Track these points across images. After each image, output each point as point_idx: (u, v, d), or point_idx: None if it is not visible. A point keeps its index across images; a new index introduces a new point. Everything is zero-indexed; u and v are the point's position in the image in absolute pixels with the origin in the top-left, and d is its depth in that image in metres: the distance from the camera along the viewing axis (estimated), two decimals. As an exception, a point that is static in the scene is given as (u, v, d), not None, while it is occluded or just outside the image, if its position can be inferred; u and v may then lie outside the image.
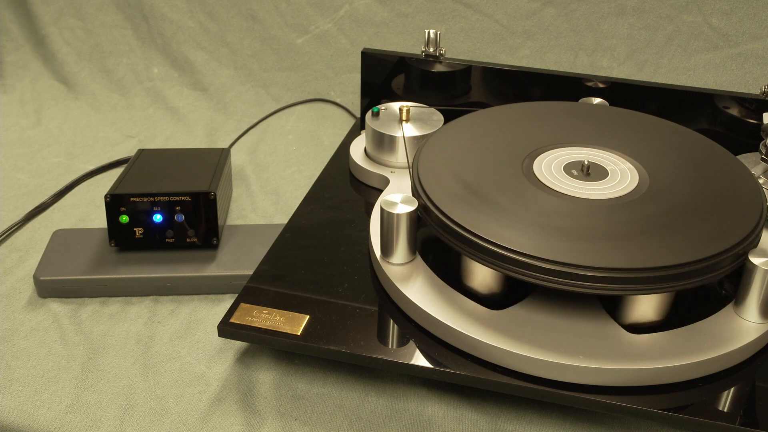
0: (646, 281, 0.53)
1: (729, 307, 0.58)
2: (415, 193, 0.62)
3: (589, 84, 0.86)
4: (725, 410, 0.53)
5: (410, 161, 0.76)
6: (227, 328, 0.59)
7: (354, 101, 1.08)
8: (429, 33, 0.89)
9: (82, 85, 1.14)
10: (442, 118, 0.81)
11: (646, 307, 0.57)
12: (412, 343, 0.58)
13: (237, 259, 0.72)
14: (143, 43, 1.15)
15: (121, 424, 0.57)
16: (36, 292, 0.71)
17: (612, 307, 0.58)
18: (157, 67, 1.15)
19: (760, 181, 0.71)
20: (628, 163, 0.66)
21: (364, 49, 0.92)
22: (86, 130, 1.07)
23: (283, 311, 0.60)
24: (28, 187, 0.91)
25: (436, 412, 0.59)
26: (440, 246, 0.67)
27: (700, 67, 0.99)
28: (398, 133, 0.78)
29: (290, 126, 1.07)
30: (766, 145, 0.72)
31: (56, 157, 0.99)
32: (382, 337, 0.58)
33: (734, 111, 0.82)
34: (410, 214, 0.60)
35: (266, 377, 0.61)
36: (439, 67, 0.91)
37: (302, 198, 0.77)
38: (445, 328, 0.56)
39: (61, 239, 0.75)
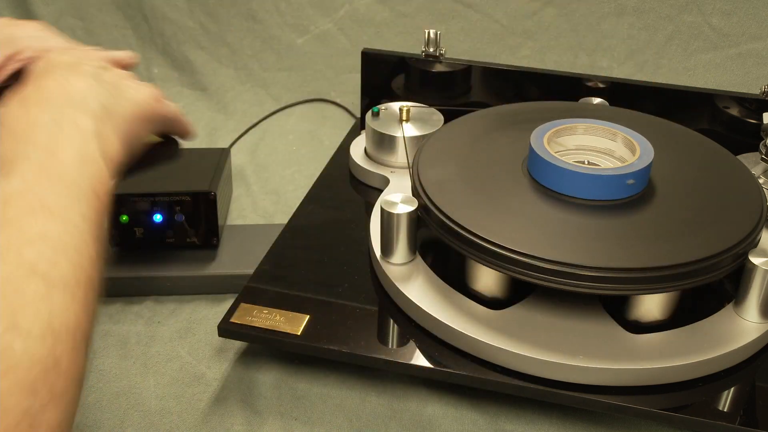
0: (646, 281, 0.53)
1: (729, 307, 0.58)
2: (415, 193, 0.62)
3: (589, 84, 0.86)
4: (725, 410, 0.53)
5: (410, 161, 0.76)
6: (227, 328, 0.59)
7: (354, 101, 1.08)
8: (429, 33, 0.89)
9: (82, 85, 1.14)
10: (442, 118, 0.81)
11: (651, 305, 0.57)
12: (412, 343, 0.58)
13: (237, 259, 0.72)
14: (143, 43, 1.15)
15: (121, 424, 0.57)
16: (36, 292, 0.71)
17: (617, 305, 0.58)
18: (157, 67, 1.15)
19: (760, 181, 0.71)
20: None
21: (364, 49, 0.92)
22: (86, 130, 1.07)
23: (283, 311, 0.60)
24: (28, 187, 0.91)
25: (436, 412, 0.59)
26: (440, 246, 0.67)
27: (700, 67, 0.99)
28: (398, 133, 0.78)
29: (290, 126, 1.07)
30: (766, 145, 0.72)
31: (56, 157, 0.99)
32: (382, 337, 0.58)
33: (734, 111, 0.82)
34: (410, 214, 0.60)
35: (266, 377, 0.61)
36: (439, 67, 0.91)
37: (302, 198, 0.77)
38: (445, 328, 0.56)
39: (61, 239, 0.75)
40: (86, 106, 0.43)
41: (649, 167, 0.60)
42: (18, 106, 0.43)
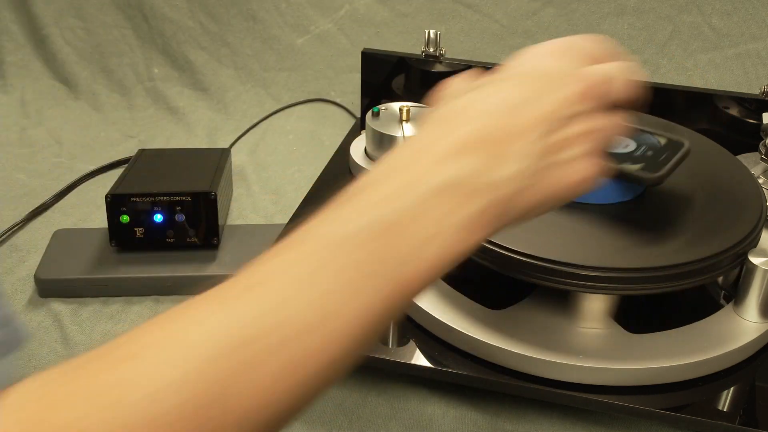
0: (646, 281, 0.53)
1: (729, 307, 0.58)
2: (415, 193, 0.62)
3: (589, 84, 0.86)
4: (725, 410, 0.53)
5: (410, 161, 0.76)
6: (228, 328, 0.59)
7: (354, 101, 1.08)
8: (429, 33, 0.89)
9: (82, 85, 1.14)
10: (442, 118, 0.81)
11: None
12: (412, 343, 0.58)
13: (237, 259, 0.72)
14: (144, 43, 1.15)
15: (121, 423, 0.57)
16: (37, 291, 0.71)
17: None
18: (157, 67, 1.15)
19: (760, 181, 0.71)
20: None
21: (364, 49, 0.92)
22: (87, 130, 1.07)
23: (284, 311, 0.60)
24: (28, 187, 0.91)
25: (436, 411, 0.59)
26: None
27: (700, 67, 0.99)
28: (398, 133, 0.78)
29: (290, 126, 1.07)
30: (766, 145, 0.72)
31: (57, 158, 0.99)
32: (382, 337, 0.58)
33: (734, 111, 0.82)
34: (410, 214, 0.60)
35: (266, 377, 0.61)
36: (439, 67, 0.91)
37: (302, 198, 0.77)
38: (445, 328, 0.56)
39: (61, 239, 0.76)
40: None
41: None
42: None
